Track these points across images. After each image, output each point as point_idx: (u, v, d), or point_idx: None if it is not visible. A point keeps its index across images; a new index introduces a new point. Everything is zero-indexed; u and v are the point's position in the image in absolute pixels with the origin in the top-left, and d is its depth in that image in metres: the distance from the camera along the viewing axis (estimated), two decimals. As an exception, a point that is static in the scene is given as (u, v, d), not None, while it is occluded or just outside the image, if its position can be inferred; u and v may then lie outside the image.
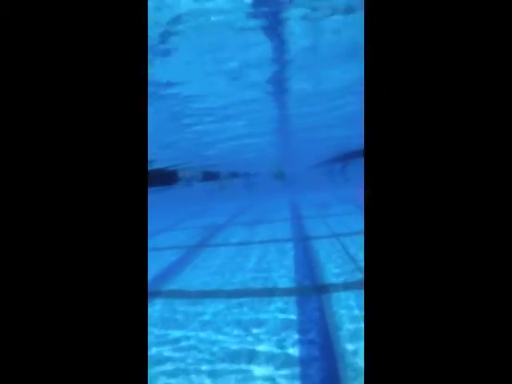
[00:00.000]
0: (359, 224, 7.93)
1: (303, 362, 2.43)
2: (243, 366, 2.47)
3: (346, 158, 11.75)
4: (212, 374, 2.42)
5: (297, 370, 2.35)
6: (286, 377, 2.28)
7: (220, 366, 2.51)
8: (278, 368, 2.39)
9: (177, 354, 2.78)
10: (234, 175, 13.37)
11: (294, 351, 2.59)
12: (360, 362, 2.33)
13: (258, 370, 2.39)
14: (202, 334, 3.06)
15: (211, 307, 3.73)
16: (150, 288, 4.74)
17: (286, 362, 2.46)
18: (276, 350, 2.63)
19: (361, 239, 6.19)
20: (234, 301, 3.84)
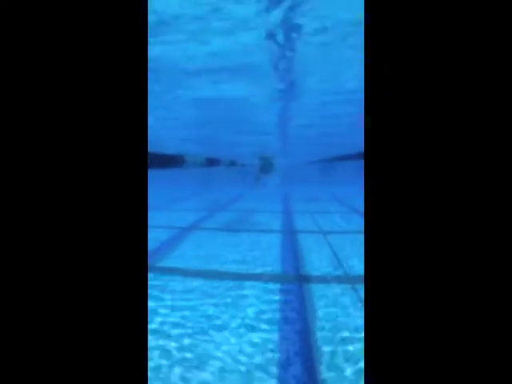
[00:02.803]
0: (346, 223, 8.23)
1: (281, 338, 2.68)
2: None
3: (339, 158, 12.04)
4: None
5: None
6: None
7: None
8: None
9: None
10: (233, 163, 13.62)
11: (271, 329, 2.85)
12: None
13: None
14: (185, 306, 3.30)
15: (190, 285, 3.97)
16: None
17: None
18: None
19: (346, 237, 6.47)
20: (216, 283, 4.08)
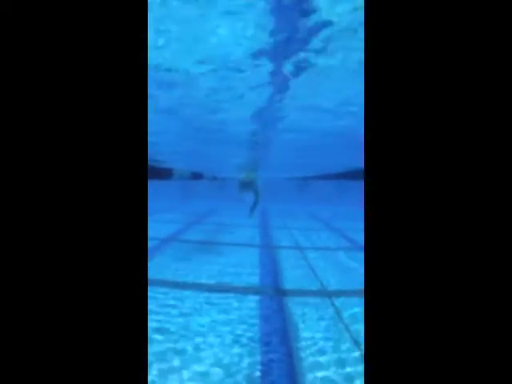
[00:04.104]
0: (322, 239, 8.48)
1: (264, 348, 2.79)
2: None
3: (316, 177, 12.48)
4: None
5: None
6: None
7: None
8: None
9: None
10: (215, 178, 13.85)
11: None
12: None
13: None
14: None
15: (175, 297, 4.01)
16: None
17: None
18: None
19: (322, 253, 6.68)
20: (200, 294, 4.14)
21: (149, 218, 11.90)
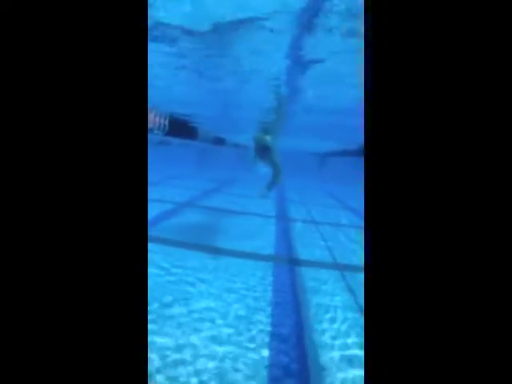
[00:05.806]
0: (338, 217, 8.46)
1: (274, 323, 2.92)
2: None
3: (338, 153, 12.09)
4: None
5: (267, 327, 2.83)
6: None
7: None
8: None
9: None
10: (237, 145, 13.83)
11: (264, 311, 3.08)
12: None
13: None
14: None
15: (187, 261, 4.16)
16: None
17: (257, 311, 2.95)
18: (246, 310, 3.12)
19: (338, 231, 6.69)
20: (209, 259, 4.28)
21: (169, 182, 12.11)
